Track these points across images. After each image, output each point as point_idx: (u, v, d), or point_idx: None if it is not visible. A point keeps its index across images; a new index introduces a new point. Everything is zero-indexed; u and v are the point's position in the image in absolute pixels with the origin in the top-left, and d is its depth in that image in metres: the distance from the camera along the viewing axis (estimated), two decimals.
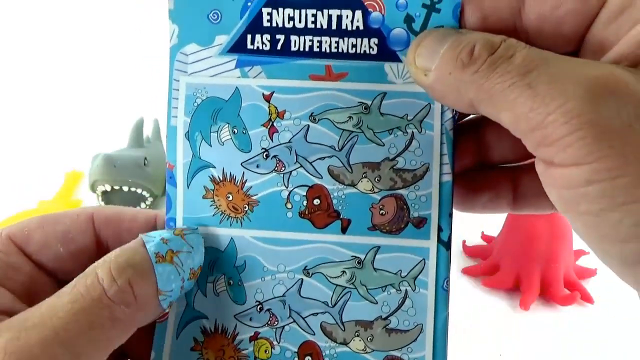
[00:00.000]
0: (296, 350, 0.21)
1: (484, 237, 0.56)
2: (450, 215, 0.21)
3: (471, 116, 0.23)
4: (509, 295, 0.48)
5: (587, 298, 0.46)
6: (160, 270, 0.19)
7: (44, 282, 0.20)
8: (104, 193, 0.59)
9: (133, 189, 0.59)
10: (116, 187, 0.58)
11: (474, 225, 0.58)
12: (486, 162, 0.23)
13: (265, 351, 0.21)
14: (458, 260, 0.53)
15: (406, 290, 0.21)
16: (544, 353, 0.41)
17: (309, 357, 0.21)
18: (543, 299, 0.47)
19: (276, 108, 0.21)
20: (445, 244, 0.21)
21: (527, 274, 0.46)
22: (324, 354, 0.21)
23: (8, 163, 0.76)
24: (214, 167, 0.22)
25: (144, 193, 0.60)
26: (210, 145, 0.22)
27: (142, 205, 0.60)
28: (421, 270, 0.21)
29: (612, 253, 0.16)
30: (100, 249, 0.22)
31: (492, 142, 0.23)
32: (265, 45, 0.21)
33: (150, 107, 0.77)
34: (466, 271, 0.51)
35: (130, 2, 0.75)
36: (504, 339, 0.43)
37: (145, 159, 0.60)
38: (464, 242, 0.55)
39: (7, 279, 0.19)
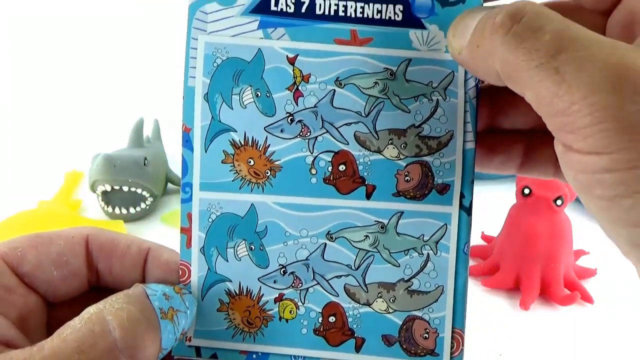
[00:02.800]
0: (320, 310, 0.22)
1: (484, 237, 0.56)
2: (472, 182, 0.21)
3: None
4: (509, 295, 0.48)
5: (587, 298, 0.46)
6: (163, 326, 0.19)
7: (35, 304, 0.20)
8: (104, 193, 0.59)
9: (133, 189, 0.59)
10: (116, 187, 0.58)
11: (474, 225, 0.58)
12: (497, 128, 0.24)
13: (290, 312, 0.22)
14: None
15: (428, 253, 0.22)
16: (544, 353, 0.41)
17: (333, 317, 0.22)
18: (543, 299, 0.47)
19: (301, 71, 0.21)
20: (467, 209, 0.22)
21: (527, 274, 0.46)
22: (347, 314, 0.22)
23: (8, 163, 0.76)
24: (235, 131, 0.21)
25: (144, 193, 0.60)
26: (232, 108, 0.21)
27: (142, 205, 0.60)
28: (443, 235, 0.22)
29: (622, 235, 0.16)
30: (91, 273, 0.21)
31: (507, 110, 0.23)
32: (290, 8, 0.21)
33: (150, 107, 0.77)
34: None
35: (131, 2, 0.75)
36: (504, 339, 0.43)
37: (145, 159, 0.60)
38: None
39: (1, 302, 0.19)
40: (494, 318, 0.46)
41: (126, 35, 0.77)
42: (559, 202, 0.45)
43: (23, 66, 0.80)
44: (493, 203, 0.57)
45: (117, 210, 0.59)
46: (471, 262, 0.53)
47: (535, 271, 0.46)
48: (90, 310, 0.18)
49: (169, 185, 0.67)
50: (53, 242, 0.20)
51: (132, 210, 0.60)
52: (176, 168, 0.69)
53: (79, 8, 0.75)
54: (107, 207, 0.59)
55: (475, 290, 0.49)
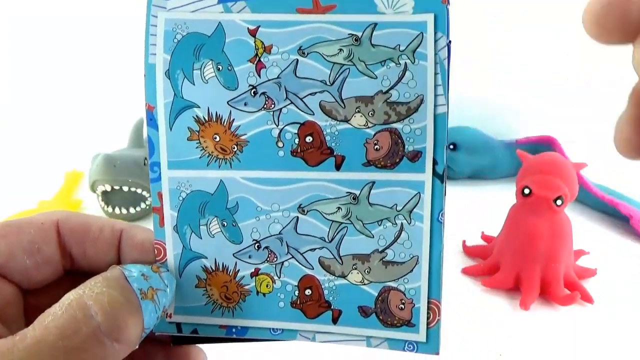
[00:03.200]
0: (296, 284, 0.22)
1: (484, 237, 0.56)
2: (445, 148, 0.21)
3: None
4: (509, 295, 0.48)
5: (587, 298, 0.46)
6: (144, 307, 0.19)
7: (10, 294, 0.20)
8: (104, 193, 0.59)
9: (133, 189, 0.59)
10: (116, 187, 0.58)
11: (474, 225, 0.58)
12: None
13: (267, 286, 0.22)
14: (458, 260, 0.53)
15: (402, 223, 0.21)
16: (544, 353, 0.41)
17: (309, 290, 0.22)
18: (543, 299, 0.47)
19: (262, 43, 0.20)
20: (440, 176, 0.21)
21: (527, 274, 0.46)
22: (323, 286, 0.22)
23: (8, 163, 0.76)
24: (198, 107, 0.21)
25: (144, 193, 0.60)
26: (194, 84, 0.21)
27: (142, 205, 0.60)
28: (416, 204, 0.21)
29: None
30: (64, 259, 0.21)
31: None
32: None
33: None
34: (466, 271, 0.51)
35: (131, 2, 0.75)
36: (504, 339, 0.43)
37: (145, 159, 0.60)
38: (464, 242, 0.55)
39: None
40: (494, 318, 0.46)
41: (126, 35, 0.77)
42: (559, 202, 0.45)
43: (23, 66, 0.80)
44: (493, 203, 0.57)
45: (117, 210, 0.59)
46: (471, 262, 0.53)
47: (535, 271, 0.46)
48: (70, 297, 0.18)
49: None
50: (23, 230, 0.20)
51: (132, 210, 0.60)
52: None
53: (80, 8, 0.75)
54: (107, 207, 0.59)
55: (475, 290, 0.49)
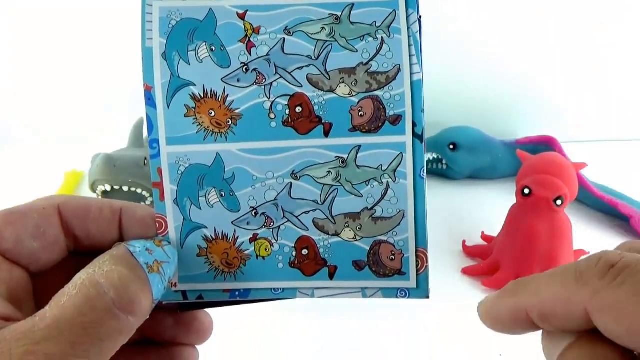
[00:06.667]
0: (293, 245, 0.23)
1: (484, 237, 0.56)
2: (422, 110, 0.23)
3: None
4: None
5: None
6: (151, 280, 0.20)
7: (20, 277, 0.21)
8: (104, 193, 0.59)
9: (133, 189, 0.59)
10: (116, 187, 0.58)
11: (474, 225, 0.58)
12: None
13: (265, 249, 0.23)
14: (458, 260, 0.53)
15: (387, 182, 0.23)
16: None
17: (306, 250, 0.23)
18: None
19: (251, 25, 0.22)
20: (419, 137, 0.23)
21: (527, 274, 0.46)
22: (318, 245, 0.23)
23: (8, 163, 0.76)
24: (194, 85, 0.22)
25: (144, 193, 0.60)
26: (189, 64, 0.22)
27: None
28: (400, 163, 0.23)
29: None
30: (68, 240, 0.22)
31: None
32: None
33: None
34: (466, 271, 0.51)
35: (131, 2, 0.75)
36: (504, 339, 0.43)
37: (145, 159, 0.60)
38: (464, 242, 0.55)
39: None
40: None
41: (127, 35, 0.77)
42: (559, 202, 0.45)
43: (23, 66, 0.80)
44: (493, 203, 0.57)
45: None
46: (471, 262, 0.53)
47: (535, 271, 0.46)
48: (82, 276, 0.19)
49: None
50: (27, 215, 0.21)
51: None
52: None
53: (80, 7, 0.75)
54: None
55: (475, 290, 0.49)
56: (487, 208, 0.61)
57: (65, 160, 0.73)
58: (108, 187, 0.58)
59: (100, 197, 0.59)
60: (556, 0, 0.72)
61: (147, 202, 0.60)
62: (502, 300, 0.18)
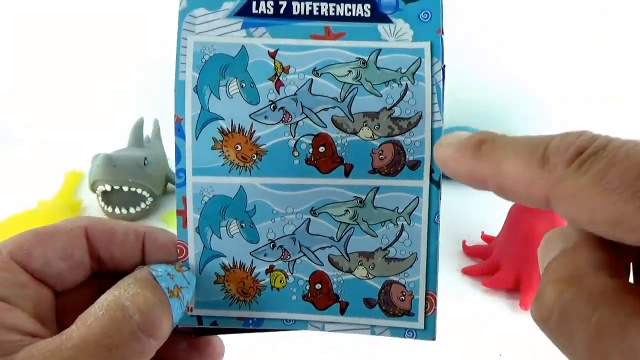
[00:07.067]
0: (307, 279, 0.24)
1: (484, 237, 0.56)
2: None
3: None
4: (509, 295, 0.48)
5: None
6: (172, 304, 0.21)
7: (45, 295, 0.21)
8: (104, 193, 0.59)
9: (133, 189, 0.59)
10: (116, 187, 0.58)
11: (474, 225, 0.58)
12: None
13: (280, 281, 0.24)
14: (458, 260, 0.53)
15: (402, 224, 0.23)
16: (543, 353, 0.41)
17: (319, 284, 0.24)
18: None
19: (281, 64, 0.23)
20: (436, 183, 0.23)
21: (527, 274, 0.46)
22: (331, 281, 0.24)
23: (8, 163, 0.76)
24: (223, 119, 0.23)
25: (144, 193, 0.60)
26: (219, 99, 0.23)
27: (142, 205, 0.60)
28: (415, 207, 0.23)
29: None
30: (93, 261, 0.23)
31: None
32: (269, 10, 0.23)
33: (150, 107, 0.77)
34: (466, 271, 0.51)
35: (131, 2, 0.75)
36: (504, 339, 0.43)
37: (145, 159, 0.60)
38: (464, 242, 0.55)
39: (19, 298, 0.20)
40: (494, 318, 0.46)
41: (127, 35, 0.77)
42: None
43: (23, 66, 0.80)
44: (493, 203, 0.57)
45: (117, 210, 0.59)
46: (471, 262, 0.53)
47: (535, 271, 0.46)
48: (108, 298, 0.19)
49: (169, 185, 0.67)
50: (55, 237, 0.21)
51: (132, 210, 0.60)
52: None
53: (80, 7, 0.75)
54: (107, 207, 0.59)
55: (475, 290, 0.49)
56: (487, 208, 0.61)
57: (65, 160, 0.73)
58: (108, 187, 0.58)
59: (100, 197, 0.59)
60: (556, 2, 0.73)
61: (147, 202, 0.60)
62: (463, 158, 0.18)
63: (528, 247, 0.46)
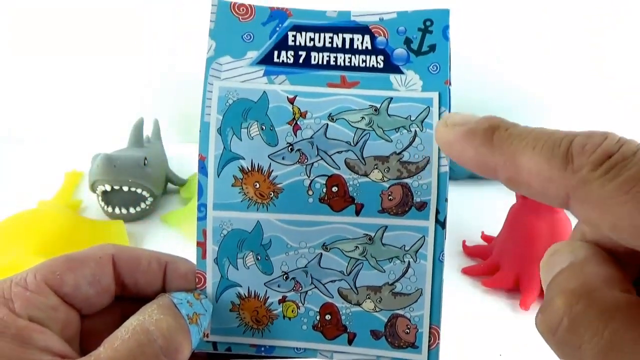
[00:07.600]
0: (318, 310, 0.25)
1: (484, 237, 0.56)
2: (446, 200, 0.25)
3: None
4: (509, 295, 0.48)
5: None
6: (191, 330, 0.22)
7: (73, 319, 0.22)
8: (104, 193, 0.59)
9: (133, 189, 0.59)
10: (116, 187, 0.58)
11: (474, 225, 0.58)
12: None
13: (292, 311, 0.25)
14: (458, 260, 0.53)
15: (409, 261, 0.25)
16: (544, 353, 0.41)
17: (329, 315, 0.25)
18: (543, 299, 0.47)
19: (299, 109, 0.25)
20: (441, 223, 0.25)
21: (527, 274, 0.46)
22: (340, 312, 0.25)
23: (8, 163, 0.76)
24: (243, 159, 0.25)
25: (144, 193, 0.60)
26: (241, 140, 0.25)
27: (142, 205, 0.60)
28: (421, 245, 0.25)
29: None
30: (118, 287, 0.24)
31: None
32: (290, 59, 0.25)
33: (150, 107, 0.77)
34: (466, 271, 0.51)
35: (131, 2, 0.75)
36: (504, 339, 0.43)
37: (145, 159, 0.60)
38: (464, 242, 0.55)
39: (50, 321, 0.21)
40: (494, 318, 0.46)
41: (127, 35, 0.77)
42: None
43: (23, 66, 0.80)
44: (493, 203, 0.57)
45: (117, 210, 0.59)
46: (471, 262, 0.53)
47: (535, 271, 0.46)
48: (134, 322, 0.21)
49: (169, 185, 0.67)
50: (85, 263, 0.23)
51: (132, 210, 0.60)
52: (176, 168, 0.69)
53: (80, 7, 0.75)
54: (107, 207, 0.59)
55: (475, 290, 0.49)
56: (487, 208, 0.61)
57: (65, 160, 0.73)
58: (108, 187, 0.58)
59: (100, 197, 0.59)
60: (557, 4, 0.73)
61: (147, 202, 0.60)
62: (472, 143, 0.17)
63: (528, 247, 0.47)
